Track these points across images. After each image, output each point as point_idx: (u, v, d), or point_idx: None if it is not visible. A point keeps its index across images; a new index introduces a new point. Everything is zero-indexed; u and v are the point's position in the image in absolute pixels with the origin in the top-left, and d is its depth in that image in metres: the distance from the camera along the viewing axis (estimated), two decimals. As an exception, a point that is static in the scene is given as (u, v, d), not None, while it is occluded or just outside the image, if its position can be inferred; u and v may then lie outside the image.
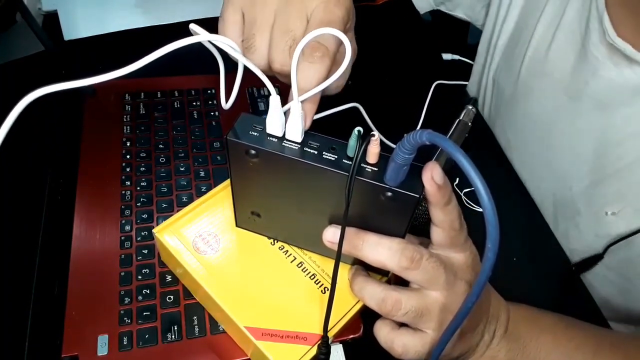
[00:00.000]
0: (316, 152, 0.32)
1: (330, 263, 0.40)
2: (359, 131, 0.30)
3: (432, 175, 0.30)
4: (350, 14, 0.36)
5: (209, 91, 0.61)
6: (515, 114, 0.59)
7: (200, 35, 0.29)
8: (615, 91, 0.47)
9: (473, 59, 0.71)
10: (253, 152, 0.33)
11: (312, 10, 0.34)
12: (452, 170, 0.41)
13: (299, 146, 0.33)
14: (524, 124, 0.58)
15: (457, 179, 0.54)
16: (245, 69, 0.33)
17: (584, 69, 0.49)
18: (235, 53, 0.31)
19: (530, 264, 0.53)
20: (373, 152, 0.31)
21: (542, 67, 0.54)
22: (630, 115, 0.46)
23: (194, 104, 0.60)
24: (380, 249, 0.34)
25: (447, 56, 0.75)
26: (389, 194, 0.31)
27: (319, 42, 0.32)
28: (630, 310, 0.54)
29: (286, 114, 0.32)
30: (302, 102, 0.33)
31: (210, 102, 0.60)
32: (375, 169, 0.32)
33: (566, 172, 0.55)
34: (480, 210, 0.26)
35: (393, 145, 0.59)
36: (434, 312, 0.34)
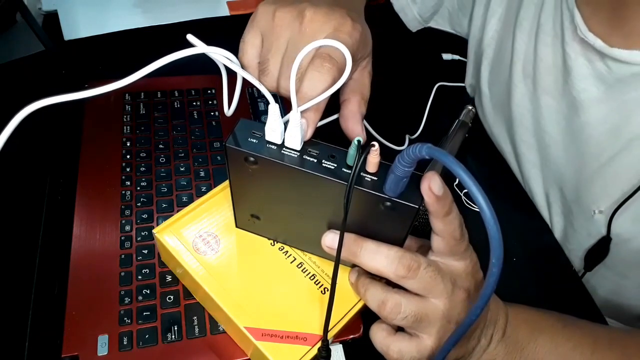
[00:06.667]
0: (315, 160, 0.32)
1: (330, 264, 0.40)
2: (358, 141, 0.31)
3: (430, 186, 0.30)
4: (359, 47, 0.37)
5: (209, 91, 0.61)
6: (506, 116, 0.60)
7: (197, 47, 0.29)
8: (589, 88, 0.47)
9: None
10: (252, 159, 0.33)
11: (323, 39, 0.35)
12: (451, 172, 0.41)
13: (298, 154, 0.33)
14: (515, 126, 0.58)
15: (457, 180, 0.54)
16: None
17: (561, 69, 0.50)
18: (231, 64, 0.31)
19: (530, 263, 0.53)
20: (373, 162, 0.31)
21: (528, 71, 0.54)
22: (604, 111, 0.47)
23: (194, 104, 0.60)
24: (378, 257, 0.34)
25: (447, 56, 0.75)
26: (388, 203, 0.31)
27: (329, 54, 0.33)
28: (628, 308, 0.55)
29: (286, 121, 0.32)
30: (306, 110, 0.33)
31: (210, 102, 0.60)
32: (375, 178, 0.32)
33: (556, 173, 0.55)
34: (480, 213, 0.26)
35: (395, 147, 0.59)
36: (433, 319, 0.34)
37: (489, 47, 0.61)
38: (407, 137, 0.61)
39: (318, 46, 0.31)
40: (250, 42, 0.37)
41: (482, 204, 0.25)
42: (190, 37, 0.30)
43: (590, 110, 0.48)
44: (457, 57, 0.75)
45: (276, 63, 0.36)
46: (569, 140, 0.52)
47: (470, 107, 0.63)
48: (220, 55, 0.30)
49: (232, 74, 0.33)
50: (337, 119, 0.59)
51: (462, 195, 0.55)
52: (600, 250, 0.52)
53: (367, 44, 0.39)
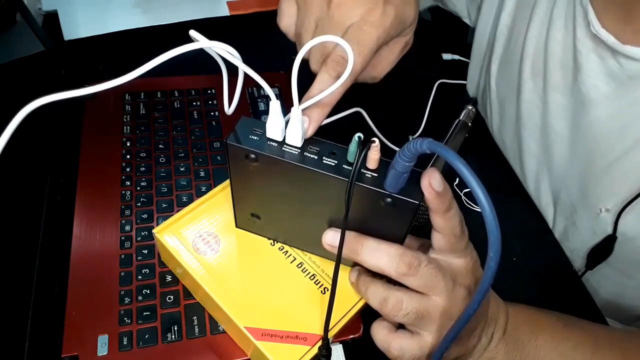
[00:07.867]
0: (316, 157, 0.32)
1: (330, 264, 0.40)
2: (359, 137, 0.30)
3: (430, 182, 0.30)
4: (389, 33, 0.37)
5: (209, 91, 0.61)
6: (513, 112, 0.60)
7: (200, 42, 0.29)
8: (599, 85, 0.47)
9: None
10: (253, 156, 0.33)
11: (348, 27, 0.36)
12: (451, 171, 0.41)
13: (299, 151, 0.33)
14: (523, 123, 0.58)
15: (457, 179, 0.55)
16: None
17: (571, 65, 0.49)
18: (234, 60, 0.31)
19: (530, 264, 0.53)
20: (373, 158, 0.31)
21: (537, 67, 0.54)
22: (613, 109, 0.46)
23: (194, 104, 0.60)
24: (379, 254, 0.34)
25: (447, 56, 0.75)
26: (389, 200, 0.31)
27: (344, 57, 0.34)
28: (629, 309, 0.55)
29: (288, 119, 0.32)
30: (311, 108, 0.33)
31: (210, 102, 0.60)
32: (375, 174, 0.32)
33: (562, 171, 0.55)
34: (480, 209, 0.26)
35: (396, 149, 0.59)
36: (434, 316, 0.34)
37: (498, 43, 0.60)
38: (410, 137, 0.61)
39: (313, 45, 0.30)
40: (287, 12, 0.38)
41: (480, 197, 0.25)
42: (192, 33, 0.30)
43: (599, 107, 0.47)
44: (457, 57, 0.75)
45: (308, 39, 0.37)
46: (576, 137, 0.51)
47: (470, 107, 0.62)
48: (222, 50, 0.30)
49: (232, 74, 0.33)
50: (338, 119, 0.59)
51: (462, 195, 0.55)
52: (604, 249, 0.52)
53: (403, 23, 0.39)
